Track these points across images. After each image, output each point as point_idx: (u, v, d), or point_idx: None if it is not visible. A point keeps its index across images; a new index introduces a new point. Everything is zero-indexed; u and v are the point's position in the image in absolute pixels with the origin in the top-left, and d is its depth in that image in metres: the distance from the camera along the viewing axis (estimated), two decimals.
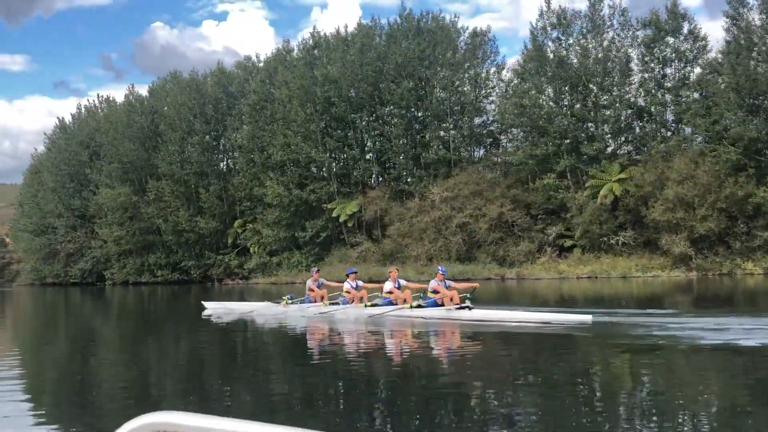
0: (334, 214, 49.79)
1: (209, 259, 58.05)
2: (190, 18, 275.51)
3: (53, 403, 8.55)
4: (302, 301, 19.26)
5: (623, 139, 43.62)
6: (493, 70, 48.96)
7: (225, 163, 60.63)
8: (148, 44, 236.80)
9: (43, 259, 71.61)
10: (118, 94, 75.80)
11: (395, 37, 49.96)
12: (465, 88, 48.92)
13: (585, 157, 42.18)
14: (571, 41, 43.78)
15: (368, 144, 51.45)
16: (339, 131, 50.94)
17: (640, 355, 10.34)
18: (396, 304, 16.98)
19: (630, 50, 43.19)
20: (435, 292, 16.53)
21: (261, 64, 59.29)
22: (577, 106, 42.68)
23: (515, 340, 12.94)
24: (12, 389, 8.88)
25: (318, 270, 21.13)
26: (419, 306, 16.60)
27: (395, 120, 49.22)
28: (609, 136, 43.02)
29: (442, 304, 16.18)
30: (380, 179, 50.69)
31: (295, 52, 55.39)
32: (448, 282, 16.78)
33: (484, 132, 49.29)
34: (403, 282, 17.89)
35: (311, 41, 54.76)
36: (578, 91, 42.78)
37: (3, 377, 9.78)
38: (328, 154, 50.48)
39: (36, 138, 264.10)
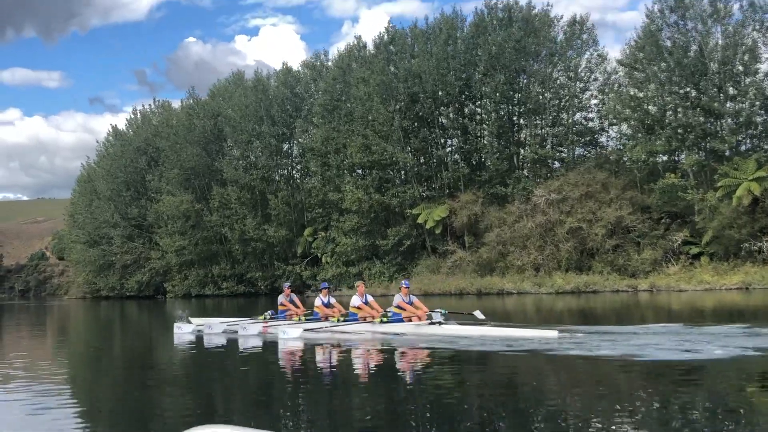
0: (419, 221, 45.53)
1: (278, 270, 54.11)
2: (223, 33, 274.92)
3: (107, 417, 8.41)
4: (277, 318, 18.77)
5: (756, 132, 38.69)
6: (593, 60, 44.38)
7: (294, 167, 56.68)
8: (182, 59, 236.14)
9: (96, 271, 68.33)
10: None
11: (484, 27, 45.72)
12: (563, 81, 44.52)
13: (712, 154, 37.60)
14: (689, 26, 39.19)
15: (456, 143, 47.12)
16: (424, 130, 46.80)
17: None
18: (364, 321, 16.73)
19: (756, 35, 38.51)
20: (400, 307, 16.27)
21: (330, 63, 55.53)
22: (703, 97, 37.99)
23: (483, 359, 12.35)
24: (66, 403, 9.06)
25: (289, 285, 20.35)
26: (387, 321, 16.21)
27: (488, 116, 44.98)
28: (742, 130, 38.19)
29: (409, 320, 16.00)
30: (469, 181, 46.37)
31: (370, 47, 51.31)
32: (412, 297, 16.56)
33: (587, 128, 44.66)
34: (370, 298, 17.33)
35: (386, 36, 50.64)
36: (703, 80, 38.12)
37: (55, 391, 9.81)
38: (411, 155, 46.25)
39: (72, 154, 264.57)
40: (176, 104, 66.40)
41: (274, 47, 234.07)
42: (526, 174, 43.66)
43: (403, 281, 17.36)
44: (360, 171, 48.94)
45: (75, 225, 74.07)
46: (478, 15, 46.55)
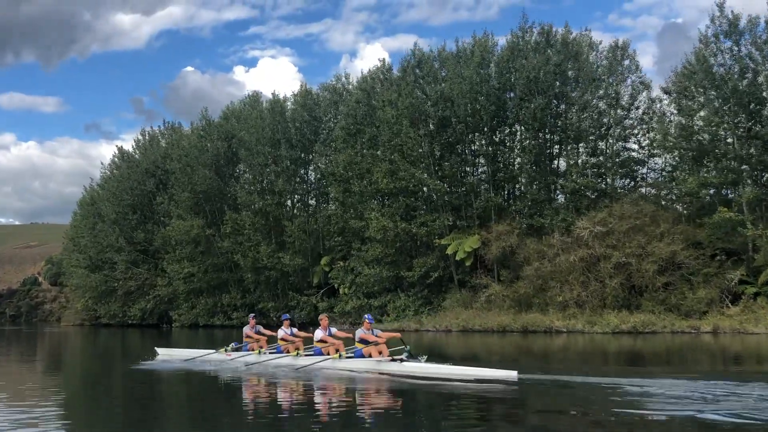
0: (448, 251, 42.88)
1: (292, 301, 51.21)
2: (221, 63, 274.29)
3: None
4: (240, 349, 19.12)
5: None
6: (636, 87, 42.15)
7: (311, 193, 54.07)
8: (180, 88, 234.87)
9: (97, 298, 65.26)
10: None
11: (522, 50, 43.53)
12: (603, 108, 42.27)
13: None
14: (744, 51, 37.06)
15: (488, 170, 44.64)
16: (454, 156, 44.41)
17: None
18: (327, 354, 16.78)
19: None
20: (362, 341, 16.22)
21: (350, 86, 53.28)
22: (759, 127, 35.73)
23: (443, 397, 12.13)
24: None
25: (255, 316, 20.83)
26: (349, 357, 16.30)
27: (524, 143, 42.64)
28: None
29: (370, 356, 15.91)
30: (502, 211, 43.87)
31: (396, 70, 49.04)
32: (375, 331, 16.33)
33: (629, 157, 42.29)
34: (333, 330, 17.49)
35: (413, 59, 48.35)
36: (759, 109, 35.92)
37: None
38: (441, 182, 43.72)
39: (66, 179, 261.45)
40: (184, 127, 64.29)
41: (272, 79, 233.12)
42: (563, 205, 41.13)
43: (366, 315, 17.01)
44: (385, 198, 46.41)
45: (75, 249, 71.08)
46: (513, 37, 44.39)
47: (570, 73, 42.03)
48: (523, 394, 12.30)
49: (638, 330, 32.71)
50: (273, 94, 55.22)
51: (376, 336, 16.13)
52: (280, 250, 51.24)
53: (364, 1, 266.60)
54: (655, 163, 42.80)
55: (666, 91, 40.38)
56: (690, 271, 35.32)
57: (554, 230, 39.64)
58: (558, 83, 41.95)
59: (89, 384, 16.62)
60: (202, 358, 19.05)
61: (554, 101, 42.10)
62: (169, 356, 20.14)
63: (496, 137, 44.76)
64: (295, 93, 54.94)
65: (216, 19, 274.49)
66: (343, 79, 54.26)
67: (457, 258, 42.35)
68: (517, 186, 44.73)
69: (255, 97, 57.85)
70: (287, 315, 19.31)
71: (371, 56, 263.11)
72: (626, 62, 42.39)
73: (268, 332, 19.78)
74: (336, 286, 49.33)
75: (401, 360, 15.28)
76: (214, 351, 19.63)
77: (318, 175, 53.20)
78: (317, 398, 12.89)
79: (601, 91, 42.00)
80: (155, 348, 21.08)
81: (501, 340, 31.67)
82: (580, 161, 41.84)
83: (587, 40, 43.15)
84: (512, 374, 13.43)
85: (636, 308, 35.36)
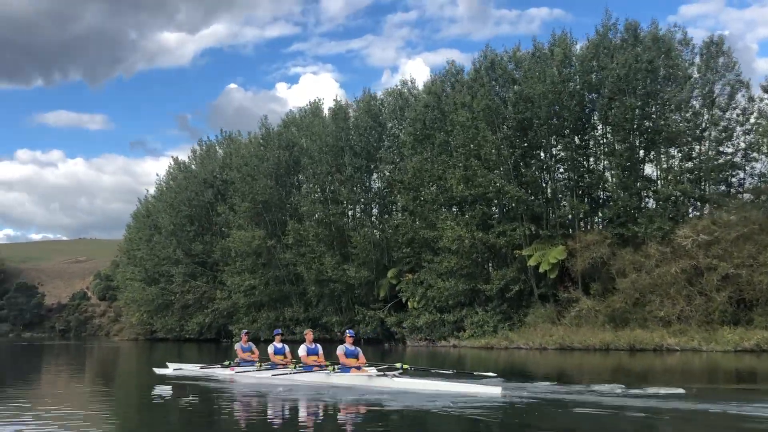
0: (530, 263, 40.04)
1: (358, 315, 48.69)
2: (264, 80, 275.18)
3: None
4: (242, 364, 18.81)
5: None
6: (735, 86, 38.99)
7: (376, 202, 51.61)
8: (223, 106, 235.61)
9: (153, 311, 63.60)
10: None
11: (607, 48, 40.72)
12: (698, 108, 39.21)
13: None
14: None
15: (571, 176, 41.77)
16: (536, 160, 41.68)
17: None
18: (312, 370, 16.77)
19: None
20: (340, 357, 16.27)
21: (416, 91, 50.86)
22: None
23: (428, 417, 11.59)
24: None
25: (247, 332, 20.56)
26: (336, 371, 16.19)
27: (613, 146, 39.73)
28: None
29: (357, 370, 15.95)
30: (588, 219, 40.98)
31: (469, 71, 46.46)
32: (357, 349, 16.42)
33: (727, 161, 39.06)
34: (319, 347, 17.39)
35: (486, 60, 45.76)
36: None
37: None
38: (521, 188, 40.92)
39: (111, 196, 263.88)
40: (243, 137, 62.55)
41: (314, 95, 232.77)
42: (659, 212, 38.03)
43: (348, 330, 17.06)
44: (459, 206, 43.81)
45: (130, 262, 69.69)
46: (598, 34, 41.56)
47: (662, 71, 39.11)
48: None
49: (762, 348, 29.47)
50: (335, 100, 53.11)
51: (355, 352, 16.30)
52: (345, 262, 48.87)
53: (405, 17, 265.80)
54: (753, 168, 39.55)
55: (766, 90, 37.36)
56: None
57: (649, 239, 36.61)
58: (648, 81, 39.01)
59: (138, 398, 16.29)
60: (213, 374, 18.99)
61: (645, 101, 39.06)
62: (187, 369, 19.89)
63: (580, 140, 41.81)
64: (358, 99, 52.72)
65: (259, 37, 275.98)
66: (409, 83, 51.88)
67: (540, 270, 39.51)
68: (604, 193, 41.68)
69: (316, 105, 55.78)
70: (278, 330, 19.78)
71: (412, 71, 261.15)
72: (721, 60, 39.36)
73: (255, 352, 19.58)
74: (404, 299, 46.71)
75: (393, 376, 15.15)
76: (219, 365, 19.46)
77: (383, 184, 50.78)
78: (290, 413, 13.08)
79: (696, 90, 39.02)
80: (166, 363, 20.69)
81: (603, 359, 28.80)
82: (676, 165, 38.75)
83: (677, 37, 40.24)
84: (496, 390, 13.33)
85: (747, 323, 32.15)
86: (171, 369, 19.89)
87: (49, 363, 34.37)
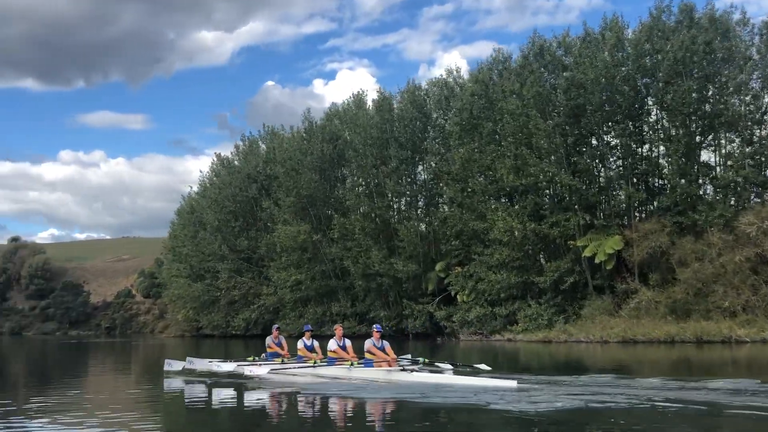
0: (585, 254, 38.90)
1: (406, 309, 47.93)
2: (301, 77, 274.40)
3: None
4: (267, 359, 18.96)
5: None
6: None
7: (423, 194, 50.73)
8: (261, 103, 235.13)
9: (199, 308, 63.59)
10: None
11: (661, 30, 39.34)
12: (760, 90, 37.69)
13: None
14: None
15: (626, 163, 40.47)
16: (589, 147, 40.48)
17: None
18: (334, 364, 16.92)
19: None
20: (370, 352, 16.27)
21: (462, 80, 49.83)
22: None
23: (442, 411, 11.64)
24: None
25: (278, 327, 20.91)
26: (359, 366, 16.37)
27: (669, 131, 38.39)
28: None
29: (380, 366, 16.00)
30: (644, 208, 39.70)
31: (517, 58, 45.31)
32: (384, 342, 16.37)
33: None
34: (348, 342, 17.42)
35: (534, 46, 44.56)
36: None
37: None
38: (575, 177, 39.73)
39: (153, 194, 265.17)
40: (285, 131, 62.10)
41: (351, 90, 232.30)
42: (720, 199, 36.63)
43: (375, 325, 17.19)
44: (510, 196, 42.82)
45: (175, 259, 69.79)
46: (651, 17, 40.17)
47: (720, 53, 37.63)
48: None
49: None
50: (379, 91, 52.33)
51: (383, 347, 16.29)
52: (392, 256, 48.14)
53: (440, 9, 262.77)
54: None
55: None
56: None
57: (710, 228, 35.26)
58: (705, 63, 37.56)
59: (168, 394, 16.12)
60: (215, 366, 19.05)
61: (705, 84, 37.63)
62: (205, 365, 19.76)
63: (634, 127, 40.48)
64: (402, 90, 51.85)
65: (295, 34, 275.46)
66: (454, 72, 50.88)
67: (596, 261, 38.35)
68: (660, 180, 40.34)
69: (359, 97, 55.05)
70: (308, 326, 19.79)
71: (449, 64, 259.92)
72: None
73: (283, 351, 19.53)
74: (453, 293, 45.84)
75: (411, 370, 15.41)
76: (245, 361, 19.30)
77: (429, 175, 49.92)
78: (306, 406, 13.18)
79: (755, 72, 37.50)
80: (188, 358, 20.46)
81: (668, 351, 27.71)
82: (736, 150, 37.30)
83: (735, 17, 38.72)
84: (512, 384, 13.42)
85: None
86: (187, 364, 19.84)
87: (98, 360, 34.35)
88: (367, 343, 16.42)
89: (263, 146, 63.22)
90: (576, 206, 39.88)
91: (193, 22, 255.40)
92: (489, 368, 16.14)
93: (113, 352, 43.72)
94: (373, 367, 16.05)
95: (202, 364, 19.76)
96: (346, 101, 55.92)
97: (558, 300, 40.20)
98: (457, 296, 45.35)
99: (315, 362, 17.53)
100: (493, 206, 42.04)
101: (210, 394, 15.21)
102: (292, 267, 52.73)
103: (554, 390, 12.95)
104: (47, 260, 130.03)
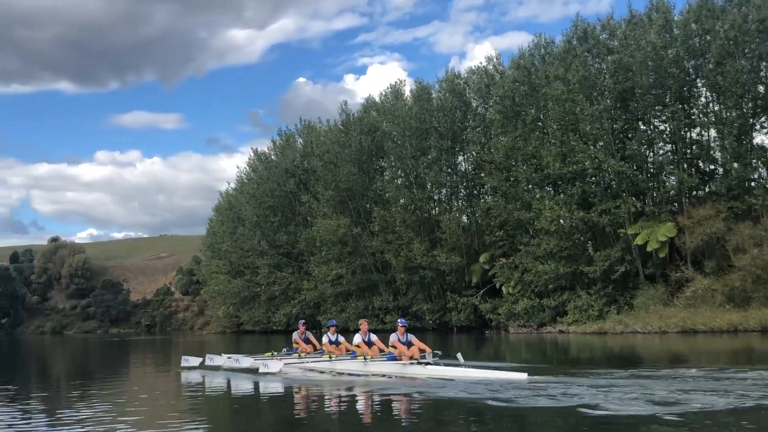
0: (637, 242, 37.69)
1: (450, 302, 47.09)
2: (332, 73, 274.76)
3: None
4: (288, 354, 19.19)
5: None
6: None
7: (464, 184, 49.78)
8: (292, 100, 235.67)
9: (239, 304, 63.36)
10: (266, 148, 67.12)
11: (711, 10, 37.90)
12: None
13: None
14: None
15: (676, 147, 39.14)
16: (638, 132, 39.19)
17: None
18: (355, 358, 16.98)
19: None
20: (393, 346, 16.32)
21: (502, 68, 48.67)
22: None
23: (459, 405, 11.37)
24: None
25: (305, 322, 21.19)
26: (381, 360, 16.44)
27: (724, 114, 36.99)
28: None
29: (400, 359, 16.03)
30: (695, 193, 38.38)
31: (560, 42, 44.10)
32: (409, 336, 16.34)
33: None
34: (373, 337, 17.46)
35: (577, 31, 43.31)
36: None
37: None
38: (624, 162, 38.46)
39: (188, 193, 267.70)
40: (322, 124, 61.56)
41: (382, 85, 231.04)
42: None
43: (400, 320, 17.07)
44: (556, 184, 41.73)
45: (214, 256, 69.69)
46: None
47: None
48: None
49: None
50: (417, 81, 51.43)
51: (408, 342, 16.16)
52: (433, 248, 47.29)
53: (471, 1, 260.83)
54: None
55: None
56: None
57: (767, 212, 33.87)
58: (759, 42, 36.06)
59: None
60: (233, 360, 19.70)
61: (759, 64, 36.17)
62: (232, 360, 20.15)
63: (684, 110, 39.10)
64: (441, 79, 50.90)
65: (326, 30, 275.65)
66: (494, 60, 49.72)
67: (648, 249, 37.12)
68: (711, 164, 38.96)
69: (397, 88, 54.20)
70: (333, 321, 19.83)
71: (480, 56, 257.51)
72: None
73: (314, 341, 19.81)
74: (498, 285, 44.87)
75: (426, 363, 15.39)
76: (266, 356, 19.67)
77: (471, 165, 48.95)
78: (304, 400, 13.46)
79: None
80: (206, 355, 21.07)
81: (730, 340, 26.53)
82: None
83: None
84: (523, 377, 13.50)
85: None
86: (207, 360, 20.57)
87: (141, 357, 34.09)
88: (392, 338, 16.43)
89: (300, 140, 62.77)
90: (625, 193, 38.66)
91: (224, 20, 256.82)
92: (462, 360, 15.79)
93: (155, 349, 43.53)
94: (394, 361, 16.08)
95: (220, 360, 20.24)
96: (383, 92, 55.16)
97: (608, 290, 39.06)
98: (503, 288, 44.41)
99: (330, 356, 17.59)
100: (538, 195, 40.96)
101: (225, 384, 15.83)
102: (333, 261, 52.20)
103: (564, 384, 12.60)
104: (87, 260, 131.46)
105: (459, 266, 46.72)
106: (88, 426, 10.17)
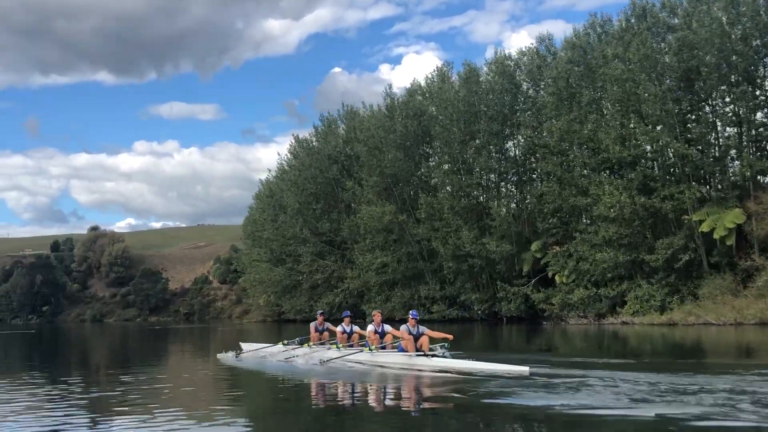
0: (702, 229, 35.70)
1: (500, 292, 45.42)
2: (367, 63, 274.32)
3: None
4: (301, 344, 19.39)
5: None
6: None
7: (515, 170, 48.02)
8: (328, 90, 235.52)
9: (281, 292, 62.39)
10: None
11: None
12: None
13: None
14: None
15: (744, 129, 37.03)
16: (704, 113, 37.16)
17: None
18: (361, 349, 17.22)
19: None
20: (402, 337, 16.38)
21: (554, 48, 46.76)
22: None
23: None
24: None
25: (323, 313, 21.63)
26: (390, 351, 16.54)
27: None
28: None
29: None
30: (763, 178, 36.33)
31: (617, 23, 42.17)
32: (421, 328, 16.11)
33: None
34: (387, 327, 17.20)
35: (636, 9, 41.26)
36: None
37: None
38: (689, 145, 36.46)
39: (225, 183, 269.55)
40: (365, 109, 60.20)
41: (418, 74, 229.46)
42: None
43: (411, 311, 16.69)
44: (611, 169, 39.83)
45: (255, 244, 68.81)
46: None
47: None
48: None
49: None
50: (465, 63, 49.65)
51: (419, 333, 15.86)
52: (483, 236, 45.64)
53: None
54: None
55: None
56: None
57: None
58: None
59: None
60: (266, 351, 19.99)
61: None
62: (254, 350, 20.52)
63: (753, 90, 36.95)
64: (490, 60, 49.11)
65: (361, 19, 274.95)
66: (546, 40, 47.82)
67: (715, 236, 35.12)
68: None
69: (443, 71, 52.56)
70: (348, 312, 19.62)
71: (517, 45, 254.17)
72: None
73: (333, 329, 19.53)
74: (551, 274, 43.12)
75: (432, 355, 15.21)
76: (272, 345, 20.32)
77: (522, 150, 47.16)
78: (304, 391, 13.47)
79: None
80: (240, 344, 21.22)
81: None
82: None
83: None
84: (525, 369, 13.35)
85: None
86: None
87: (182, 344, 33.18)
88: (402, 329, 16.14)
89: (342, 126, 61.47)
90: (689, 178, 36.66)
91: (260, 11, 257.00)
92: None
93: (197, 337, 42.68)
94: (403, 352, 15.96)
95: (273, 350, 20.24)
96: (429, 75, 53.53)
97: (671, 279, 37.10)
98: (556, 277, 42.65)
99: (338, 346, 17.76)
100: (597, 180, 39.11)
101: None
102: (377, 249, 50.86)
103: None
104: (126, 248, 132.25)
105: (509, 254, 45.02)
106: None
